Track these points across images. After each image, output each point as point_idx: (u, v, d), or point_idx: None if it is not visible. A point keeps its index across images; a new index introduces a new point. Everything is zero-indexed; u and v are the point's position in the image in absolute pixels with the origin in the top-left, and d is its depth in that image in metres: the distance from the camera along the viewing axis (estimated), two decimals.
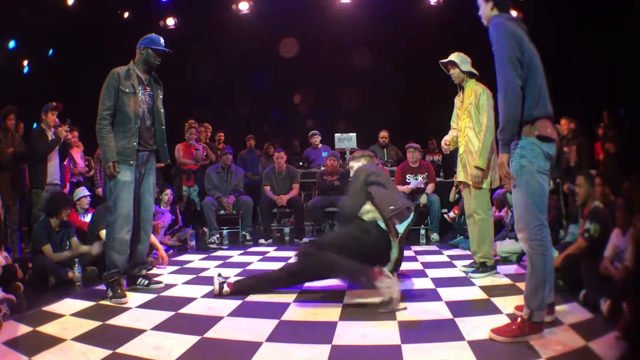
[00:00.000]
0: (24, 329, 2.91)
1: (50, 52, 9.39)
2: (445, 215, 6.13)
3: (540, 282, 2.48)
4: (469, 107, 4.08)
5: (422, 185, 6.54)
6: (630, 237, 3.03)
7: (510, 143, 2.54)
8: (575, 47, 7.44)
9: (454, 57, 4.17)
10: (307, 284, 3.78)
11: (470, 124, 4.08)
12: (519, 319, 2.52)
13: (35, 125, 5.92)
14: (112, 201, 3.73)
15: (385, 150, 7.89)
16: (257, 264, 5.02)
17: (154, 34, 4.01)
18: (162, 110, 4.08)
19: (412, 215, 3.56)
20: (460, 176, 4.26)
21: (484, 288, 3.65)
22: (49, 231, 4.32)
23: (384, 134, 8.03)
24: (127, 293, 3.76)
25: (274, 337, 2.71)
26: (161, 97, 4.09)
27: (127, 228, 3.75)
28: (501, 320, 2.82)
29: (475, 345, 2.45)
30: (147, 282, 3.97)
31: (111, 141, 3.70)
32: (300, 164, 7.78)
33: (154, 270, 4.65)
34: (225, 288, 3.63)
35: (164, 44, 3.96)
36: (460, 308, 3.11)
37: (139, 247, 3.98)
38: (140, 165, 3.91)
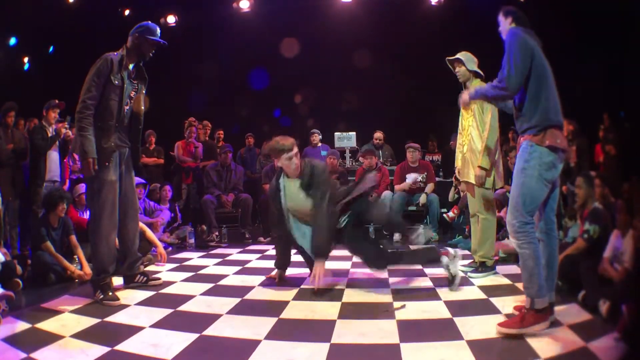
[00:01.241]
0: (22, 325, 2.91)
1: (51, 49, 9.40)
2: (444, 215, 6.12)
3: (532, 270, 2.58)
4: (473, 107, 4.08)
5: (420, 179, 6.53)
6: (630, 239, 3.04)
7: (476, 98, 2.92)
8: (575, 48, 7.45)
9: (461, 55, 4.17)
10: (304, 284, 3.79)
11: (473, 123, 4.08)
12: (523, 310, 2.60)
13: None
14: (97, 203, 3.54)
15: (380, 151, 7.85)
16: (256, 262, 5.03)
17: (150, 22, 3.76)
18: (143, 108, 3.85)
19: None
20: (463, 175, 4.25)
21: (483, 288, 3.65)
22: (48, 228, 4.31)
23: (378, 135, 7.98)
24: (126, 290, 3.77)
25: (272, 335, 2.71)
26: (144, 92, 3.84)
27: (114, 230, 3.65)
28: (500, 320, 2.82)
29: (473, 345, 2.45)
30: (145, 278, 3.94)
31: (92, 135, 3.42)
32: None
33: (153, 268, 4.65)
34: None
35: (159, 35, 3.74)
36: (459, 308, 3.11)
37: (129, 246, 3.89)
38: (121, 162, 3.72)
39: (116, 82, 3.52)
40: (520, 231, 2.62)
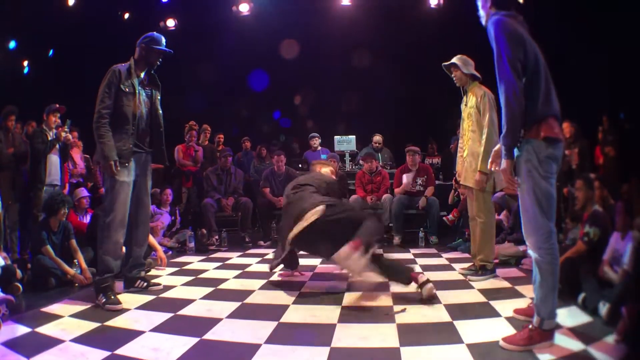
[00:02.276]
0: (23, 329, 2.91)
1: (51, 52, 9.41)
2: (444, 218, 6.12)
3: (549, 289, 2.42)
4: (471, 110, 4.09)
5: (416, 184, 6.53)
6: (630, 241, 3.04)
7: (513, 148, 2.45)
8: (575, 49, 7.46)
9: (456, 59, 4.18)
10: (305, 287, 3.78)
11: (472, 127, 4.08)
12: (530, 326, 2.46)
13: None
14: (109, 202, 3.64)
15: (379, 154, 7.86)
16: (255, 266, 5.02)
17: (155, 32, 3.92)
18: (161, 112, 4.02)
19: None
20: (463, 179, 4.24)
21: (483, 291, 3.65)
22: (48, 232, 4.31)
23: (377, 138, 7.98)
24: (126, 294, 3.77)
25: (272, 339, 2.71)
26: (159, 97, 4.02)
27: (122, 230, 3.68)
28: (500, 324, 2.83)
29: (473, 349, 2.45)
30: (145, 284, 3.95)
31: (111, 140, 3.59)
32: (300, 166, 7.78)
33: (153, 272, 4.65)
34: None
35: (165, 44, 3.89)
36: (459, 311, 3.11)
37: (136, 249, 3.93)
38: (137, 166, 3.83)
39: (127, 89, 3.70)
40: (543, 246, 2.38)
